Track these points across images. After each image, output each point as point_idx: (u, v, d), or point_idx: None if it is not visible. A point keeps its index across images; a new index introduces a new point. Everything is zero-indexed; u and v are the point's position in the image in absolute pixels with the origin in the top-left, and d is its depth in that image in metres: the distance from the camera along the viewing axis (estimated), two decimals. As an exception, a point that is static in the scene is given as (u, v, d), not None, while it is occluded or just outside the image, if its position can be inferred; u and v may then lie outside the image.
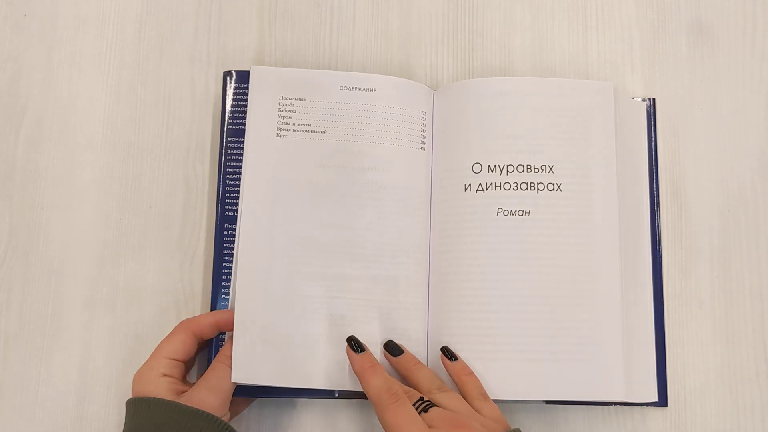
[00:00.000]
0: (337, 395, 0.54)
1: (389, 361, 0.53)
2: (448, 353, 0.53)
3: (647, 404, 0.55)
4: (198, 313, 0.57)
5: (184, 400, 0.47)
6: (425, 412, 0.47)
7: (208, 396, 0.48)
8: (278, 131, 0.56)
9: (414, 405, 0.48)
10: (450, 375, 0.52)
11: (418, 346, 0.54)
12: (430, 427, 0.46)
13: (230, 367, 0.50)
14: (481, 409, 0.49)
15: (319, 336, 0.53)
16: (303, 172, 0.56)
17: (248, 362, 0.52)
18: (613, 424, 0.56)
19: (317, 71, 0.58)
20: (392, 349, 0.53)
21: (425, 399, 0.49)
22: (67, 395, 0.56)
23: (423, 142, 0.57)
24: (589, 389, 0.52)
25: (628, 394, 0.53)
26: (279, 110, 0.57)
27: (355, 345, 0.52)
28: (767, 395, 0.56)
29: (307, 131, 0.56)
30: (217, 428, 0.47)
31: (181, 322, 0.52)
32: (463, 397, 0.51)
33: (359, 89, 0.57)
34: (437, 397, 0.49)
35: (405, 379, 0.53)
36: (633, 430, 0.56)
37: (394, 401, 0.47)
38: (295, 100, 0.57)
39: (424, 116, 0.58)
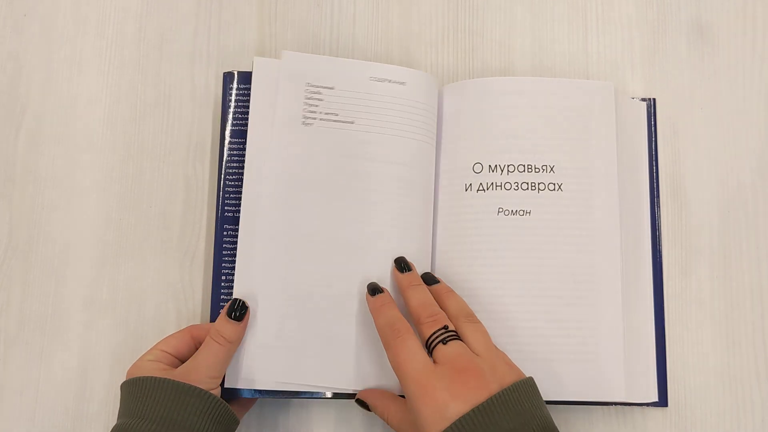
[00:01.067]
0: (332, 395, 0.54)
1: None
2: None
3: (647, 404, 0.55)
4: (197, 313, 0.58)
5: (168, 376, 0.47)
6: (444, 344, 0.46)
7: (190, 370, 0.48)
8: (304, 119, 0.55)
9: (436, 332, 0.47)
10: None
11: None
12: (437, 362, 0.45)
13: (218, 344, 0.50)
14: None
15: (320, 335, 0.53)
16: (304, 166, 0.55)
17: (245, 365, 0.52)
18: (613, 424, 0.56)
19: (347, 60, 0.57)
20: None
21: (450, 329, 0.47)
22: (67, 395, 0.56)
23: (430, 136, 0.57)
24: (589, 389, 0.52)
25: (628, 394, 0.53)
26: (306, 98, 0.56)
27: (371, 289, 0.52)
28: (767, 395, 0.56)
29: (333, 120, 0.56)
30: (203, 401, 0.47)
31: (188, 326, 0.53)
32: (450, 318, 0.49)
33: (389, 81, 0.56)
34: (463, 325, 0.48)
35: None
36: (633, 430, 0.56)
37: (395, 337, 0.47)
38: (323, 88, 0.56)
39: (431, 110, 0.57)
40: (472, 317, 0.49)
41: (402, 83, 0.56)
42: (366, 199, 0.54)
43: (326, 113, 0.55)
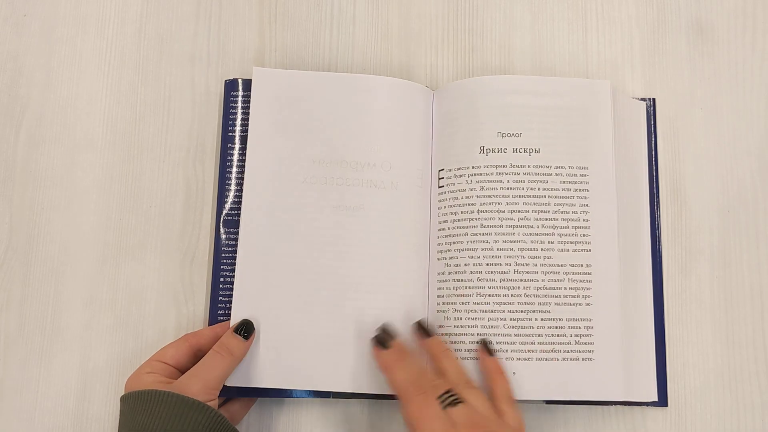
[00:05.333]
0: (331, 396, 0.54)
1: (418, 342, 0.53)
2: (487, 348, 0.52)
3: (647, 404, 0.55)
4: (197, 313, 0.57)
5: (168, 388, 0.48)
6: (452, 406, 0.47)
7: (190, 382, 0.48)
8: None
9: (440, 397, 0.47)
10: (482, 370, 0.52)
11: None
12: (453, 424, 0.46)
13: (222, 356, 0.50)
14: (505, 413, 0.49)
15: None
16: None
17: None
18: (613, 424, 0.56)
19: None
20: (423, 331, 0.53)
21: (453, 392, 0.48)
22: (67, 395, 0.56)
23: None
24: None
25: (628, 394, 0.53)
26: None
27: (381, 341, 0.51)
28: (767, 395, 0.56)
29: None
30: (204, 415, 0.47)
31: (184, 335, 0.53)
32: (490, 395, 0.50)
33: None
34: (464, 392, 0.49)
35: (433, 364, 0.52)
36: (633, 430, 0.56)
37: (419, 393, 0.47)
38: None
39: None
40: (470, 383, 0.50)
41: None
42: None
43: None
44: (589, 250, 0.54)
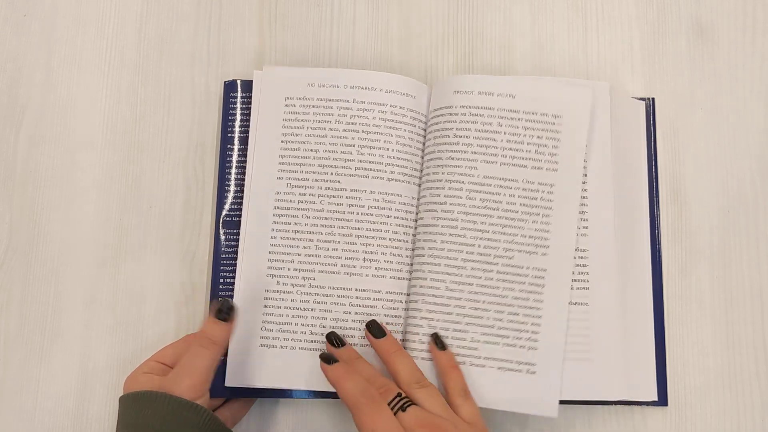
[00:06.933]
0: (331, 396, 0.54)
1: (370, 342, 0.52)
2: (438, 342, 0.52)
3: (647, 403, 0.55)
4: (197, 313, 0.58)
5: (157, 386, 0.47)
6: (403, 411, 0.46)
7: (177, 379, 0.47)
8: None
9: (391, 402, 0.47)
10: (435, 365, 0.52)
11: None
12: (405, 429, 0.45)
13: (204, 347, 0.48)
14: (460, 407, 0.49)
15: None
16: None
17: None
18: (613, 424, 0.56)
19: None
20: (374, 330, 0.52)
21: (403, 395, 0.47)
22: (67, 395, 0.56)
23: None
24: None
25: (628, 393, 0.53)
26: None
27: (326, 359, 0.49)
28: (767, 395, 0.56)
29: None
30: (198, 415, 0.46)
31: (184, 336, 0.54)
32: (444, 390, 0.50)
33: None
34: (416, 393, 0.48)
35: (385, 365, 0.51)
36: (633, 430, 0.56)
37: (369, 403, 0.46)
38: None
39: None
40: (422, 382, 0.49)
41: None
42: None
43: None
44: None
